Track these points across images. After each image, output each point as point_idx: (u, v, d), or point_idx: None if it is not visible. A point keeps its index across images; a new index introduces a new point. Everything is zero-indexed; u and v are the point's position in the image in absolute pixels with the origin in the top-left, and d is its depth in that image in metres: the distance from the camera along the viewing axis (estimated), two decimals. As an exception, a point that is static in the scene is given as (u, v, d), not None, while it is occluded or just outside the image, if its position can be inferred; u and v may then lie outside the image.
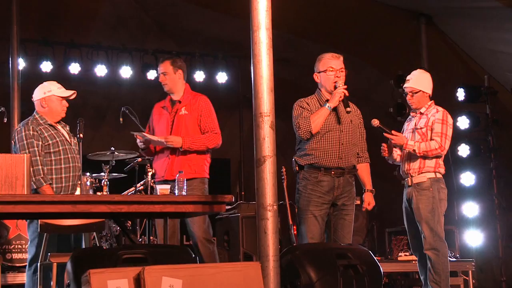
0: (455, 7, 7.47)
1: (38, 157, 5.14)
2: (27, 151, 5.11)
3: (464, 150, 7.89)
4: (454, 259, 7.18)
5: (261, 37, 3.75)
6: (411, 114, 5.46)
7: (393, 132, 5.30)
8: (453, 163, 7.53)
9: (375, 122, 5.23)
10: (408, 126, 5.47)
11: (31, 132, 5.19)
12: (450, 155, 5.56)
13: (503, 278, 7.57)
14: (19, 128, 5.29)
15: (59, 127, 5.39)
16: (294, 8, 7.47)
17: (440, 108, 5.32)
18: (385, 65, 8.65)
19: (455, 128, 6.00)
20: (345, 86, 5.00)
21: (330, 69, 5.04)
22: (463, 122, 7.83)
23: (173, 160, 5.43)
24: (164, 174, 5.45)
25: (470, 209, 7.99)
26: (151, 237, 7.52)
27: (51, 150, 5.25)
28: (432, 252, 5.16)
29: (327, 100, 5.01)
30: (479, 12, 7.20)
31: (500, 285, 7.59)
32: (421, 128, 5.28)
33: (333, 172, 4.98)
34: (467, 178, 8.00)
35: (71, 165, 5.30)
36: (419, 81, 5.38)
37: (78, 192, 5.30)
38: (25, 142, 5.16)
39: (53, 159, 5.24)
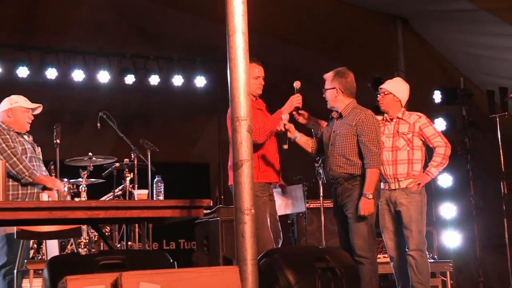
0: (431, 10, 7.52)
1: (20, 155, 5.24)
2: (8, 152, 5.20)
3: (441, 151, 7.93)
4: (432, 260, 7.22)
5: (237, 41, 3.75)
6: (382, 122, 5.55)
7: None
8: (430, 164, 7.57)
9: (297, 84, 5.35)
10: (384, 131, 5.54)
11: (6, 136, 5.30)
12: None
13: (481, 278, 7.61)
14: (-8, 135, 5.34)
15: (24, 136, 5.52)
16: (272, 12, 7.49)
17: (419, 113, 5.56)
18: (362, 68, 8.64)
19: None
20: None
21: None
22: (440, 124, 7.86)
23: (278, 160, 5.38)
24: (278, 178, 5.37)
25: (448, 210, 8.05)
26: (129, 242, 7.51)
27: (19, 157, 5.32)
28: (418, 253, 5.29)
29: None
30: (455, 15, 7.25)
31: (478, 285, 7.63)
32: (406, 134, 5.45)
33: (332, 182, 5.25)
34: (445, 180, 8.05)
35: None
36: (393, 85, 5.65)
37: (45, 198, 5.32)
38: (3, 145, 5.25)
39: None
